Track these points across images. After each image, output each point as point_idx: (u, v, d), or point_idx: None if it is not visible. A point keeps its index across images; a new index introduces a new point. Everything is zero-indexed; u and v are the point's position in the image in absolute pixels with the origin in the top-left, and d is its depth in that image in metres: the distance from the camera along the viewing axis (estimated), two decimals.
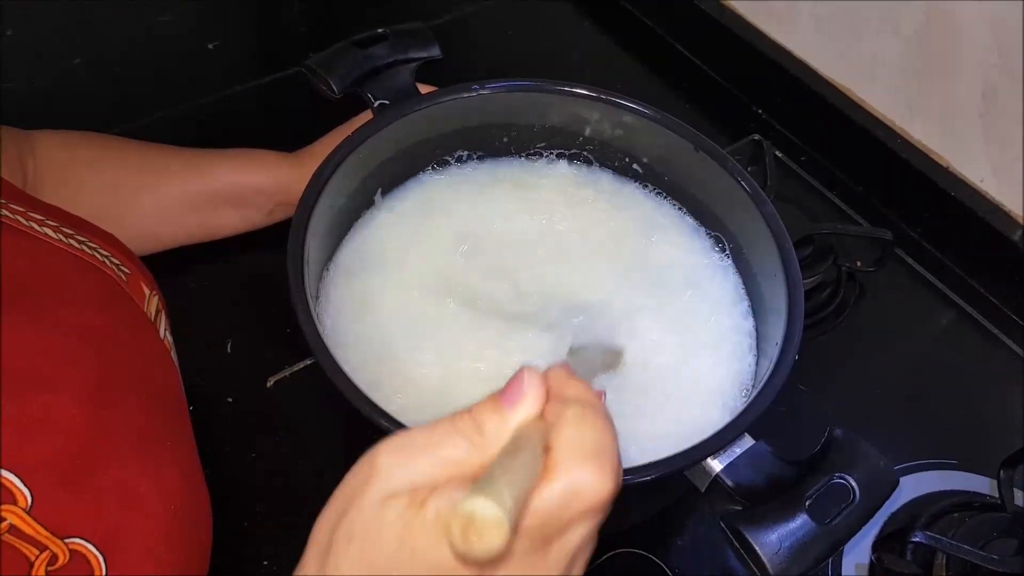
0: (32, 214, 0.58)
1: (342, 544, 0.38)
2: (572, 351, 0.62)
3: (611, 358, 0.64)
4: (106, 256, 0.61)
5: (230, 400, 0.78)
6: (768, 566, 0.51)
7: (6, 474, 0.47)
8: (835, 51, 0.98)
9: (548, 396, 0.40)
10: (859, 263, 0.89)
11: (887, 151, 0.94)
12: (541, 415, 0.39)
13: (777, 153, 0.99)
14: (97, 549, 0.49)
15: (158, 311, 0.64)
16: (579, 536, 0.38)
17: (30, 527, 0.47)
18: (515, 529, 0.34)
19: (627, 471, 0.54)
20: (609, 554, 0.70)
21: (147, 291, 0.63)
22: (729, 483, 0.55)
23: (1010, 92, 0.83)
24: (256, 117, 1.01)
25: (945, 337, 0.90)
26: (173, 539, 0.54)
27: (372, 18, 0.83)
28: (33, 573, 0.47)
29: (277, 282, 0.60)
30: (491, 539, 0.33)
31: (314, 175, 0.65)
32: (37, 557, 0.47)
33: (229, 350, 0.81)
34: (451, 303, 0.67)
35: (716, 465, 0.56)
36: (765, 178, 0.89)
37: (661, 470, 0.54)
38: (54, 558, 0.48)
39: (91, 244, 0.61)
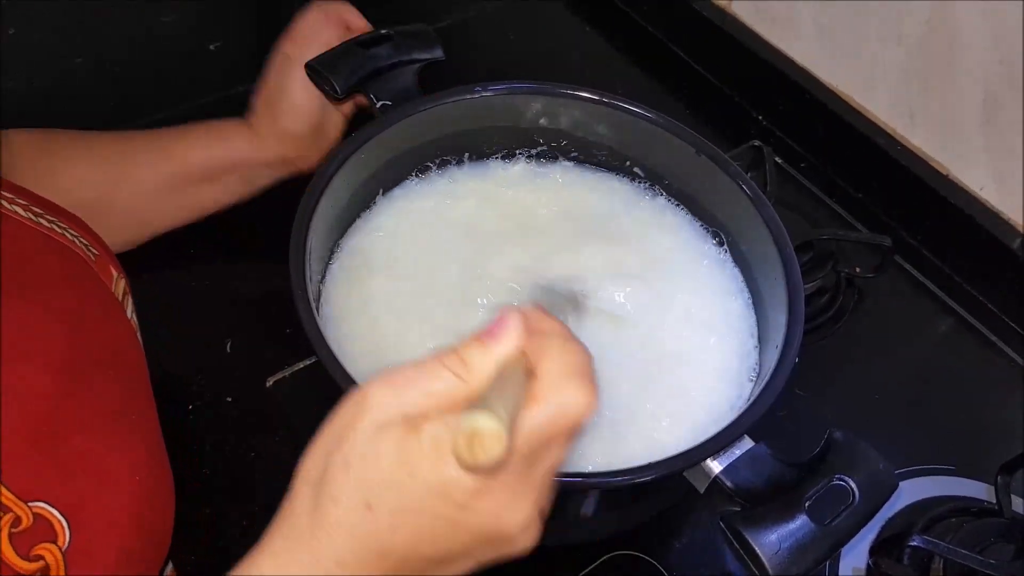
0: (3, 192, 0.59)
1: (339, 471, 0.40)
2: (540, 290, 0.66)
3: (574, 301, 0.65)
4: (75, 236, 0.62)
5: (230, 400, 0.78)
6: (767, 566, 0.51)
7: None
8: (836, 58, 0.99)
9: (527, 332, 0.42)
10: (858, 269, 0.89)
11: (887, 158, 0.95)
12: (522, 351, 0.41)
13: (777, 159, 0.99)
14: (62, 515, 0.50)
15: (125, 293, 0.65)
16: (557, 454, 0.42)
17: None
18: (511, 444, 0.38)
19: (627, 471, 0.54)
20: (607, 556, 0.70)
21: (115, 273, 0.64)
22: (729, 484, 0.55)
23: (1011, 101, 0.84)
24: None
25: (944, 344, 0.90)
26: (135, 514, 0.54)
27: (374, 20, 0.83)
28: None
29: (277, 282, 0.60)
30: (493, 448, 0.36)
31: (316, 175, 0.66)
32: (1, 519, 0.47)
33: (229, 350, 0.81)
34: (453, 301, 0.68)
35: (716, 466, 0.56)
36: (765, 184, 0.89)
37: (660, 471, 0.54)
38: (17, 520, 0.48)
39: (61, 224, 0.61)
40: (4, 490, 0.48)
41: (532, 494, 0.42)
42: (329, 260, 0.70)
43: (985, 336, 0.89)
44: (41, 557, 0.49)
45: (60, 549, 0.49)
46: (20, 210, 0.59)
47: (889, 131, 0.96)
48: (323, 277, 0.70)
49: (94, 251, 0.63)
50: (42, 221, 0.60)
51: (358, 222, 0.73)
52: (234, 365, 0.81)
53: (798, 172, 1.02)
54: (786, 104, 1.04)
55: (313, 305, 0.60)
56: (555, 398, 0.40)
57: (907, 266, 0.94)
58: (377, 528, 0.40)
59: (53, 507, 0.50)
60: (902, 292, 0.93)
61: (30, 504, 0.49)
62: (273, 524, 0.44)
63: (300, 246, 0.61)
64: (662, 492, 0.68)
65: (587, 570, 0.70)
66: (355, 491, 0.40)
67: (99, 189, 0.78)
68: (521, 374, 0.41)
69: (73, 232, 0.62)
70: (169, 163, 0.81)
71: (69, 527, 0.50)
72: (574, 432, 0.42)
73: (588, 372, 0.42)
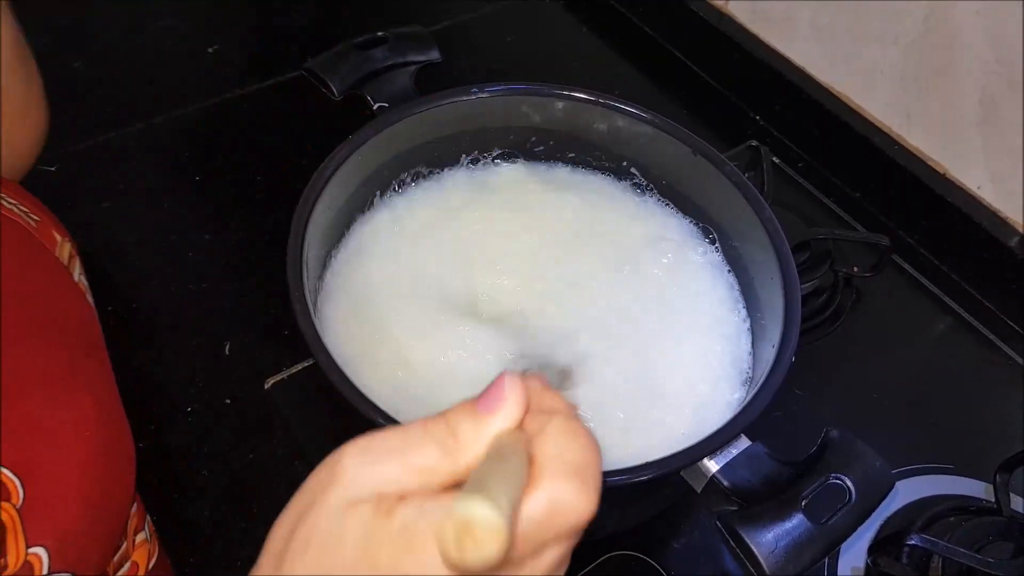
0: None
1: (299, 550, 0.36)
2: (532, 364, 0.62)
3: (563, 377, 0.63)
4: (13, 204, 0.61)
5: (228, 402, 0.78)
6: (764, 565, 0.51)
7: None
8: (833, 58, 0.99)
9: (528, 409, 0.37)
10: (856, 269, 0.89)
11: (885, 158, 0.95)
12: (520, 426, 0.37)
13: (774, 159, 0.99)
14: (13, 474, 0.50)
15: (71, 256, 0.64)
16: (552, 560, 0.36)
17: None
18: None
19: (623, 471, 0.54)
20: (606, 556, 0.70)
21: (59, 238, 0.64)
22: (725, 483, 0.55)
23: (1008, 100, 0.84)
24: (256, 121, 1.02)
25: (942, 343, 0.90)
26: (88, 466, 0.54)
27: (372, 23, 0.83)
28: None
29: (275, 283, 0.61)
30: (489, 546, 0.30)
31: (314, 176, 0.66)
32: None
33: (227, 352, 0.81)
34: (450, 305, 0.68)
35: (712, 466, 0.56)
36: (762, 184, 0.89)
37: (657, 470, 0.54)
38: None
39: None
40: None
41: None
42: (327, 261, 0.70)
43: (983, 335, 0.90)
44: None
45: (15, 507, 0.49)
46: None
47: (886, 131, 0.96)
48: (321, 277, 0.70)
49: (34, 217, 0.62)
50: None
51: (356, 223, 0.73)
52: (233, 367, 0.81)
53: (795, 172, 1.02)
54: (783, 104, 1.04)
55: (311, 307, 0.60)
56: (556, 494, 0.34)
57: (905, 265, 0.95)
58: None
59: (3, 467, 0.50)
60: (900, 291, 0.93)
61: None
62: None
63: (297, 249, 0.61)
64: (660, 492, 0.68)
65: (586, 570, 0.70)
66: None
67: None
68: (520, 458, 0.35)
69: (11, 200, 0.61)
70: None
71: (22, 485, 0.50)
72: (570, 534, 0.36)
73: (592, 466, 0.36)
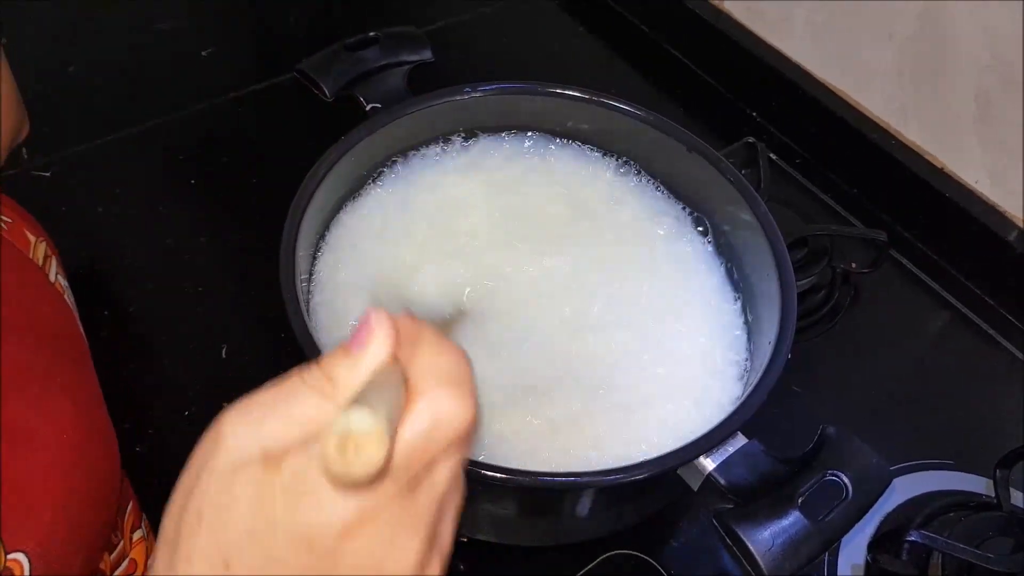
0: None
1: (192, 525, 0.34)
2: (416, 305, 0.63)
3: (448, 322, 0.63)
4: None
5: (226, 404, 0.78)
6: (761, 563, 0.51)
7: None
8: (830, 55, 0.99)
9: (399, 340, 0.36)
10: (854, 265, 0.88)
11: (882, 153, 0.94)
12: (395, 358, 0.36)
13: (771, 156, 0.99)
14: None
15: (47, 256, 0.64)
16: (445, 477, 0.36)
17: None
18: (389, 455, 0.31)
19: (619, 470, 0.54)
20: (604, 555, 0.70)
21: (32, 238, 0.63)
22: (722, 481, 0.55)
23: (1004, 95, 0.83)
24: (251, 124, 1.01)
25: (941, 338, 0.90)
26: (67, 470, 0.53)
27: (368, 24, 0.83)
28: None
29: (271, 285, 0.60)
30: (371, 451, 0.30)
31: (305, 179, 0.66)
32: None
33: (224, 355, 0.81)
34: (445, 303, 0.67)
35: (709, 464, 0.56)
36: (759, 181, 0.89)
37: (653, 468, 0.54)
38: None
39: None
40: None
41: (420, 527, 0.35)
42: (317, 259, 0.70)
43: (982, 330, 0.89)
44: None
45: None
46: None
47: (884, 126, 0.96)
48: (313, 276, 0.70)
49: (6, 219, 0.62)
50: None
51: (347, 222, 0.73)
52: (230, 370, 0.80)
53: (793, 168, 1.02)
54: (780, 101, 1.04)
55: (303, 308, 0.60)
56: (430, 406, 0.35)
57: (903, 261, 0.94)
58: None
59: None
60: (898, 287, 0.93)
61: None
62: None
63: (289, 251, 0.62)
64: (658, 491, 0.68)
65: (584, 570, 0.70)
66: (210, 548, 0.34)
67: None
68: (395, 381, 0.35)
69: None
70: None
71: None
72: (456, 445, 0.36)
73: (465, 376, 0.36)
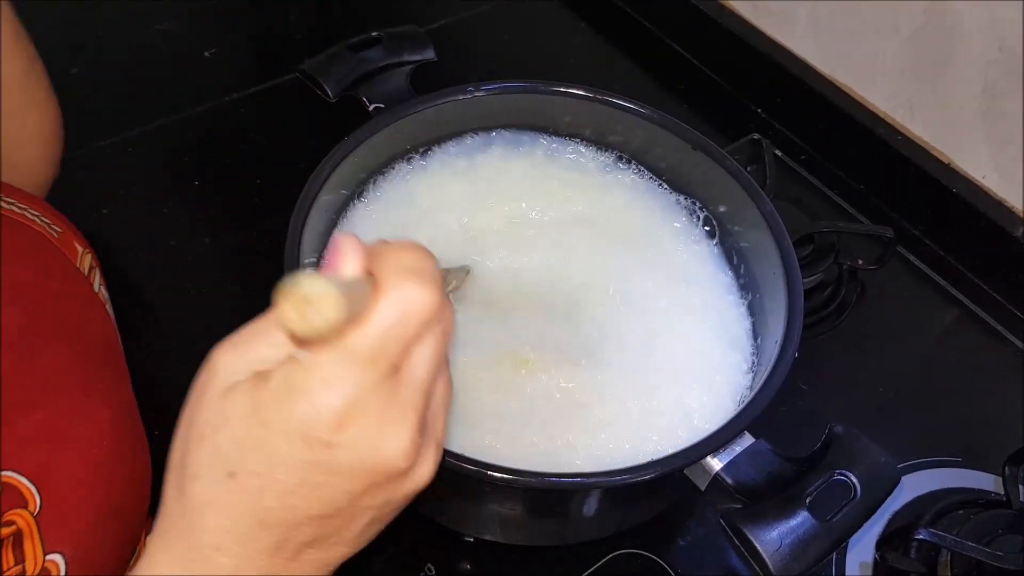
0: None
1: (195, 446, 0.37)
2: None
3: (457, 275, 0.64)
4: (36, 215, 0.62)
5: None
6: (769, 564, 0.50)
7: None
8: (835, 50, 0.98)
9: (367, 255, 0.38)
10: (860, 261, 0.88)
11: (888, 149, 0.94)
12: (367, 273, 0.38)
13: (777, 152, 0.99)
14: (29, 481, 0.50)
15: (91, 268, 0.65)
16: (424, 363, 0.38)
17: None
18: (348, 321, 0.34)
19: (626, 470, 0.54)
20: (611, 555, 0.70)
21: (80, 248, 0.65)
22: (729, 481, 0.55)
23: (1010, 89, 0.83)
24: (253, 125, 1.01)
25: (948, 334, 0.89)
26: (104, 471, 0.55)
27: (369, 24, 0.83)
28: None
29: (274, 288, 0.60)
30: (327, 307, 0.32)
31: (309, 181, 0.65)
32: None
33: None
34: (450, 299, 0.67)
35: (716, 463, 0.55)
36: (764, 178, 0.88)
37: (660, 469, 0.54)
38: None
39: (20, 205, 0.62)
40: None
41: (409, 413, 0.38)
42: (319, 259, 0.70)
43: (990, 325, 0.89)
44: (13, 522, 0.49)
45: (32, 514, 0.50)
46: None
47: (889, 122, 0.95)
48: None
49: (56, 229, 0.63)
50: (0, 204, 0.60)
51: (350, 223, 0.73)
52: None
53: (798, 165, 1.02)
54: (785, 97, 1.03)
55: None
56: (396, 293, 0.36)
57: (910, 257, 0.94)
58: (245, 496, 0.37)
59: (20, 475, 0.50)
60: (905, 283, 0.92)
61: None
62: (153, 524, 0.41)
63: (294, 252, 0.61)
64: (663, 490, 0.68)
65: (591, 569, 0.69)
66: (214, 461, 0.37)
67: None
68: (364, 283, 0.37)
69: (33, 212, 0.62)
70: None
71: (38, 492, 0.50)
72: (429, 327, 0.38)
73: (428, 266, 0.39)
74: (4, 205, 0.61)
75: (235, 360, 0.38)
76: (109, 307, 0.66)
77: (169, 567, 0.39)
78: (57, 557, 0.50)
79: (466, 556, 0.70)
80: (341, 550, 0.41)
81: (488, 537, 0.69)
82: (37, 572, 0.49)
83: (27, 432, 0.52)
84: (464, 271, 0.66)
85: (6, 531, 0.49)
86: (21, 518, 0.50)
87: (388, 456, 0.37)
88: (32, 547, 0.49)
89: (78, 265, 0.63)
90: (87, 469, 0.54)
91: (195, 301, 0.85)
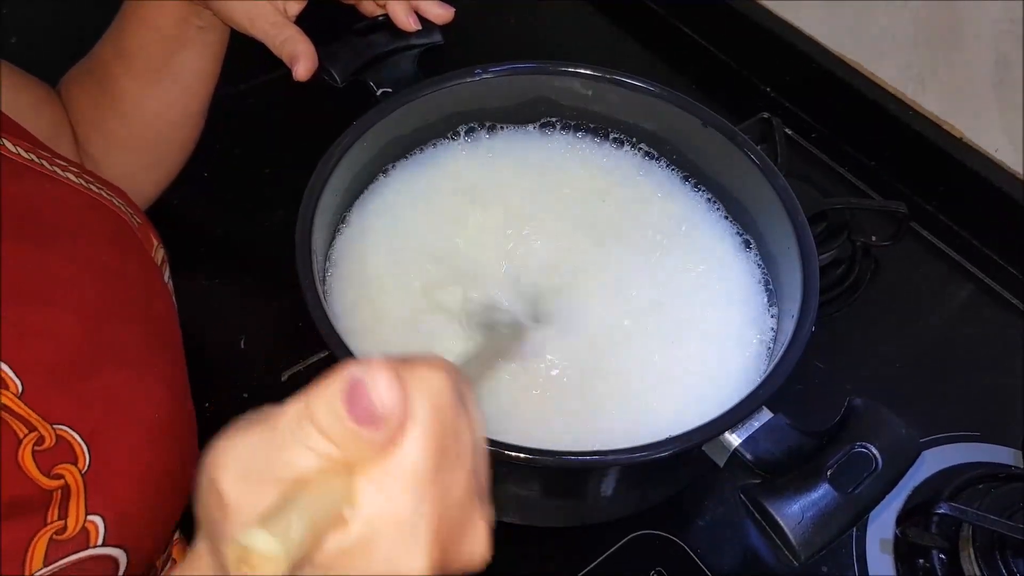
0: (56, 160, 0.64)
1: None
2: (486, 327, 0.64)
3: (516, 331, 0.63)
4: (121, 204, 0.66)
5: (246, 395, 0.78)
6: (791, 537, 0.50)
7: (2, 365, 0.50)
8: (843, 27, 0.97)
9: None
10: (874, 238, 0.87)
11: (899, 124, 0.93)
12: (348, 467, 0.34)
13: (787, 131, 0.98)
14: (82, 439, 0.52)
15: (163, 261, 0.69)
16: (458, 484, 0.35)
17: (21, 408, 0.50)
18: (300, 561, 0.31)
19: (644, 447, 0.53)
20: (631, 536, 0.70)
21: (155, 241, 0.69)
22: (748, 456, 0.54)
23: (1023, 61, 0.82)
24: (262, 114, 1.01)
25: (964, 309, 0.89)
26: (155, 442, 0.57)
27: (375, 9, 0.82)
28: (21, 450, 0.50)
29: (286, 274, 0.60)
30: (263, 568, 0.30)
31: (319, 165, 0.65)
32: (26, 436, 0.50)
33: (243, 346, 0.81)
34: (458, 287, 0.67)
35: (734, 439, 0.55)
36: (775, 156, 0.88)
37: (679, 445, 0.53)
38: (41, 439, 0.51)
39: (108, 193, 0.66)
40: (29, 410, 0.50)
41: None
42: (333, 245, 0.70)
43: (1006, 299, 0.88)
44: (62, 476, 0.51)
45: (80, 472, 0.52)
46: (72, 176, 0.64)
47: (900, 96, 0.95)
48: (329, 262, 0.69)
49: (137, 219, 0.67)
50: (92, 187, 0.64)
51: (361, 208, 0.73)
52: (249, 361, 0.80)
53: (809, 143, 1.01)
54: (794, 75, 1.03)
55: (321, 296, 0.59)
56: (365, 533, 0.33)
57: (924, 232, 0.93)
58: None
59: (74, 430, 0.52)
60: (919, 259, 0.92)
61: (54, 426, 0.51)
62: None
63: (305, 240, 0.61)
64: (682, 468, 0.68)
65: (611, 550, 0.69)
66: None
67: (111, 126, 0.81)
68: (336, 490, 0.33)
69: (120, 200, 0.66)
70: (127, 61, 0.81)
71: (89, 451, 0.52)
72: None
73: (422, 533, 0.34)
74: (95, 189, 0.64)
75: (247, 502, 0.33)
76: (173, 300, 0.69)
77: None
78: (97, 519, 0.52)
79: None
80: None
81: (506, 519, 0.68)
82: (77, 530, 0.51)
83: (88, 394, 0.54)
84: (515, 330, 0.64)
85: (55, 484, 0.50)
86: (70, 473, 0.51)
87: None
88: (76, 505, 0.51)
89: (152, 255, 0.67)
90: (137, 440, 0.56)
91: (207, 292, 0.85)
